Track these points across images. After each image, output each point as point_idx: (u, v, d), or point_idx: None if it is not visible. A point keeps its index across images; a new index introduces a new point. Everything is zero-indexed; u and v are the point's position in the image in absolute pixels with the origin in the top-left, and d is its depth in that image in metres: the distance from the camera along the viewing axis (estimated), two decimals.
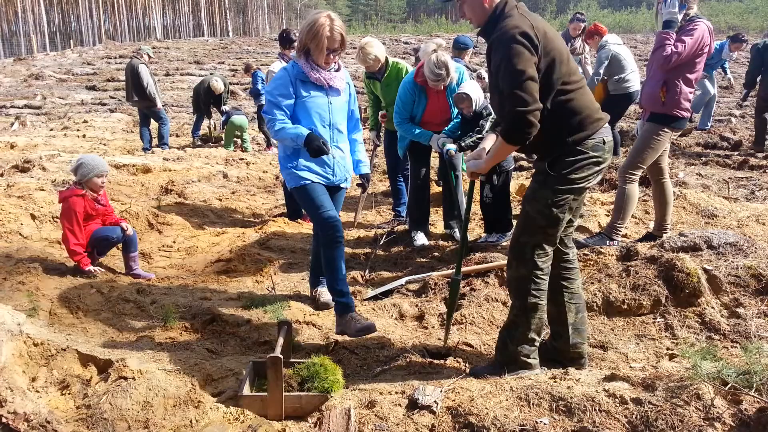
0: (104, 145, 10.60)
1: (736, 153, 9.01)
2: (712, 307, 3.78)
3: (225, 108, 11.41)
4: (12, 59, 26.00)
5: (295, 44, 5.76)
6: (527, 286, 3.02)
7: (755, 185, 7.04)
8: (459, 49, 6.98)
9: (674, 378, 2.91)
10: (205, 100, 11.39)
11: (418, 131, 5.15)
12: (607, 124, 3.01)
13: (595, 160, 2.93)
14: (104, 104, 15.33)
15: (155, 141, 10.65)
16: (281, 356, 2.85)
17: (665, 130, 4.51)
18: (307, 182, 3.78)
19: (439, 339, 3.67)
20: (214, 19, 56.58)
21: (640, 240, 4.89)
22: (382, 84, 5.77)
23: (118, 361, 3.13)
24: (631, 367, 3.25)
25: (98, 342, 3.60)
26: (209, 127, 11.72)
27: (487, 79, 7.43)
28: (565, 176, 2.92)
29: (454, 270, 3.63)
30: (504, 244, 5.17)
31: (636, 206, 5.45)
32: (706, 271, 3.98)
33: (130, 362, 3.11)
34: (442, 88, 5.05)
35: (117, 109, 14.42)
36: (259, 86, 10.74)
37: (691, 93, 4.57)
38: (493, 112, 4.83)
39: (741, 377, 2.72)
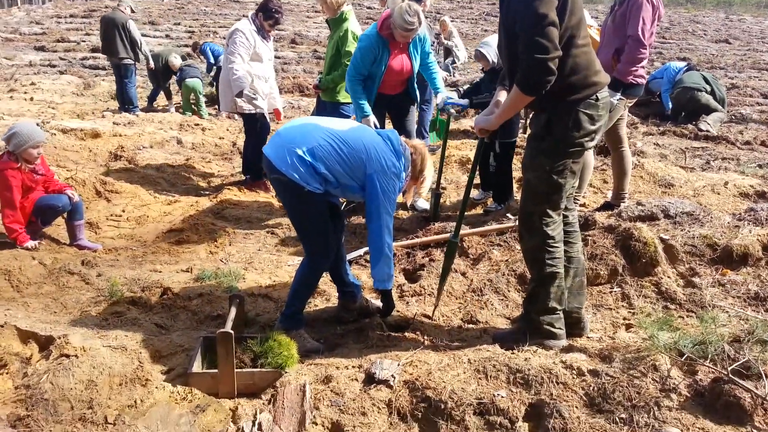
0: (53, 108, 10.07)
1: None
2: (669, 277, 3.80)
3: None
4: None
5: (270, 20, 5.60)
6: (542, 255, 2.96)
7: (710, 155, 7.13)
8: None
9: (631, 349, 2.92)
10: (164, 75, 10.83)
11: (361, 102, 4.78)
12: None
13: (589, 118, 2.80)
14: (54, 66, 14.55)
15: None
16: (232, 331, 2.75)
17: (620, 97, 4.44)
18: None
19: (398, 311, 3.60)
20: None
21: (598, 209, 4.89)
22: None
23: (60, 338, 2.98)
24: (588, 337, 3.24)
25: (40, 317, 3.42)
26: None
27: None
28: (561, 139, 2.81)
29: (449, 234, 3.43)
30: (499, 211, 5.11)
31: (593, 175, 5.44)
32: (662, 240, 4.00)
33: (73, 339, 2.97)
34: (410, 40, 4.84)
35: (67, 71, 13.72)
36: (212, 60, 10.38)
37: (645, 60, 4.50)
38: None
39: (696, 347, 2.73)
